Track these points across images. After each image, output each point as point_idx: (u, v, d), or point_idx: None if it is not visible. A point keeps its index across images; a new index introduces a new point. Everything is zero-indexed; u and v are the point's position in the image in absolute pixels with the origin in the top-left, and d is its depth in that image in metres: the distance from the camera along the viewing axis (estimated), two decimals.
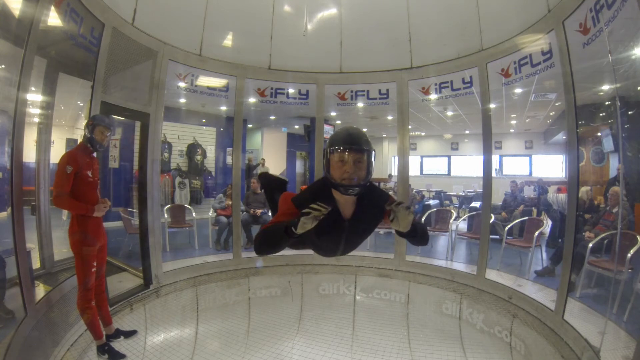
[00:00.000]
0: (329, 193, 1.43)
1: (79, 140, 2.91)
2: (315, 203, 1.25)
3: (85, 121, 2.81)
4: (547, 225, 5.37)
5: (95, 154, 2.81)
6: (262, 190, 3.00)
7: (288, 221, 1.31)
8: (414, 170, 11.88)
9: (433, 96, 4.73)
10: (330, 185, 1.41)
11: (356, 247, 1.69)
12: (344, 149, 1.35)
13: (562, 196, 5.13)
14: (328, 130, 8.77)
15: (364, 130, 1.45)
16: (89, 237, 2.64)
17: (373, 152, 1.40)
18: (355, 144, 1.36)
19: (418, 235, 1.46)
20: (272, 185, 2.35)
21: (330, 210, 1.34)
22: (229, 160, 8.51)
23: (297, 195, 1.53)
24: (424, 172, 12.42)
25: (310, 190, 1.51)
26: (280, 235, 1.33)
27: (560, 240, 4.81)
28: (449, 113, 8.35)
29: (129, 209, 5.47)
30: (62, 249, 3.78)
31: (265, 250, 1.43)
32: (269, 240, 1.40)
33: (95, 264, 2.69)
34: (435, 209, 6.35)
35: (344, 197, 1.42)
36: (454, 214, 5.86)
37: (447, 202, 9.43)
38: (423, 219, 5.68)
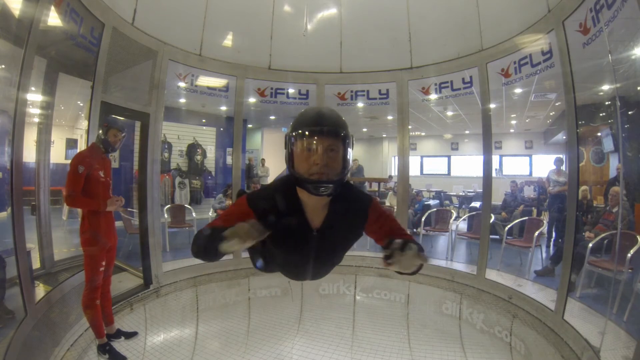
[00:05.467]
0: (293, 192, 1.11)
1: (79, 140, 2.93)
2: (270, 207, 0.96)
3: (87, 121, 2.83)
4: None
5: (108, 155, 2.86)
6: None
7: (219, 231, 0.91)
8: (414, 170, 11.88)
9: (433, 96, 4.72)
10: (295, 184, 1.08)
11: (330, 269, 1.34)
12: (311, 133, 1.02)
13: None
14: None
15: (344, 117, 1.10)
16: (99, 237, 2.66)
17: (351, 138, 1.07)
18: (327, 125, 1.03)
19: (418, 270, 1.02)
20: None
21: (295, 217, 1.08)
22: (229, 160, 8.50)
23: (253, 192, 1.19)
24: (424, 172, 12.41)
25: (269, 188, 1.18)
26: (205, 247, 1.00)
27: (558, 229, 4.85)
28: (449, 113, 8.35)
29: (129, 209, 5.47)
30: (62, 249, 3.78)
31: (196, 256, 1.08)
32: (198, 250, 1.05)
33: (103, 263, 2.71)
34: (435, 209, 6.35)
35: (312, 199, 1.09)
36: (454, 214, 5.87)
37: (447, 202, 9.42)
38: (423, 219, 5.67)
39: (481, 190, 4.28)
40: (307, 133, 1.02)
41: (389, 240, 0.94)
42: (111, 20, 3.23)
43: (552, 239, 5.28)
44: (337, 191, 1.06)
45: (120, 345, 2.98)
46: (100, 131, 2.76)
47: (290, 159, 1.06)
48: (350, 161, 1.09)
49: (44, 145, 3.46)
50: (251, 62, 4.50)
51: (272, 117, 9.39)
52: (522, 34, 3.44)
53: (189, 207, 6.01)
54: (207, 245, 0.97)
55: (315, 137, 1.02)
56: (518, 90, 5.88)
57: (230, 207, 1.20)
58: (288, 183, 1.10)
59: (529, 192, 7.33)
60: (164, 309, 3.79)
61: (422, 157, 12.46)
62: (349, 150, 1.06)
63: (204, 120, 8.57)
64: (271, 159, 10.02)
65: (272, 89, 4.89)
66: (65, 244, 4.00)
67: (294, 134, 1.04)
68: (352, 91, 4.93)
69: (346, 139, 1.05)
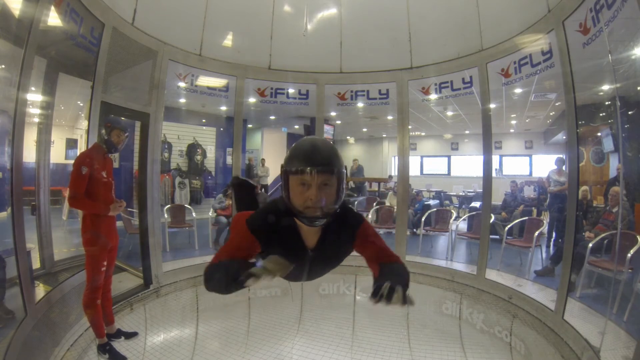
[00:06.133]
0: (290, 217, 1.15)
1: (79, 140, 2.93)
2: (272, 231, 0.99)
3: (87, 121, 2.83)
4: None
5: (110, 155, 2.86)
6: (234, 197, 2.65)
7: (237, 266, 0.97)
8: (414, 170, 11.88)
9: (433, 96, 4.73)
10: (291, 214, 1.12)
11: (323, 275, 1.43)
12: (305, 170, 1.04)
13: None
14: (328, 130, 8.79)
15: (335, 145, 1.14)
16: (101, 237, 2.66)
17: (344, 172, 1.10)
18: (321, 163, 1.05)
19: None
20: (242, 190, 2.13)
21: (292, 239, 1.13)
22: (229, 160, 8.51)
23: (252, 216, 1.22)
24: (424, 172, 12.41)
25: (267, 212, 1.20)
26: (226, 283, 0.99)
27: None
28: (449, 113, 8.35)
29: (129, 209, 5.47)
30: (62, 249, 3.78)
31: (214, 292, 1.08)
32: (216, 286, 1.06)
33: (105, 263, 2.71)
34: (435, 209, 6.35)
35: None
36: (454, 214, 5.86)
37: (447, 202, 9.42)
38: (423, 219, 5.67)
39: (481, 190, 4.28)
40: (301, 170, 1.05)
41: (375, 284, 0.97)
42: (111, 20, 3.23)
43: (552, 239, 5.28)
44: (330, 221, 1.12)
45: (120, 345, 2.98)
46: (103, 131, 2.75)
47: (285, 190, 1.10)
48: (344, 193, 1.12)
49: (44, 145, 3.46)
50: (251, 62, 4.50)
51: (272, 117, 9.41)
52: (522, 34, 3.44)
53: (189, 207, 6.01)
54: (229, 282, 0.97)
55: (310, 174, 1.04)
56: (518, 90, 5.88)
57: (233, 236, 1.24)
58: (285, 209, 1.13)
59: (529, 192, 7.32)
60: (164, 309, 3.79)
61: (422, 157, 12.47)
62: (343, 181, 1.10)
63: (204, 120, 8.58)
64: (271, 159, 10.03)
65: (272, 89, 4.89)
66: (65, 244, 4.00)
67: (288, 169, 1.08)
68: (352, 91, 4.94)
69: (340, 173, 1.08)
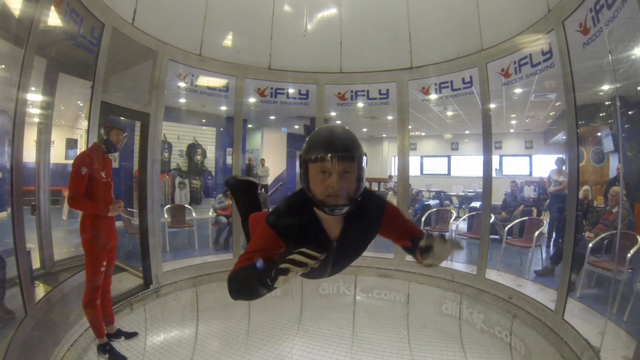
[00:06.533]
0: (310, 209, 1.12)
1: (79, 140, 2.93)
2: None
3: (87, 121, 2.83)
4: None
5: (109, 155, 2.85)
6: (232, 198, 2.54)
7: (263, 266, 0.93)
8: (414, 170, 11.88)
9: (433, 96, 4.72)
10: (311, 204, 1.09)
11: (346, 267, 1.41)
12: (326, 158, 1.01)
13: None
14: None
15: (358, 130, 1.11)
16: (101, 237, 2.66)
17: (365, 158, 1.08)
18: (342, 150, 1.03)
19: None
20: (240, 189, 2.03)
21: (314, 230, 1.07)
22: (229, 160, 8.51)
23: (271, 213, 1.17)
24: (424, 172, 12.42)
25: (286, 206, 1.16)
26: (254, 287, 0.94)
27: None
28: (449, 113, 8.35)
29: (129, 209, 5.47)
30: (62, 249, 3.78)
31: (239, 299, 1.08)
32: (243, 291, 1.05)
33: (104, 263, 2.71)
34: (435, 209, 6.35)
35: (329, 216, 1.11)
36: (454, 214, 5.87)
37: (447, 202, 9.43)
38: (423, 219, 5.67)
39: (481, 190, 4.28)
40: (321, 157, 1.02)
41: (414, 239, 1.08)
42: (111, 20, 3.23)
43: (552, 239, 5.28)
44: (352, 209, 1.07)
45: (120, 345, 2.98)
46: (102, 131, 2.75)
47: (305, 179, 1.07)
48: (364, 179, 1.09)
49: (44, 145, 3.46)
50: (251, 62, 4.50)
51: (272, 117, 9.40)
52: (522, 34, 3.44)
53: (189, 207, 6.01)
54: (256, 286, 0.92)
55: (330, 162, 1.01)
56: (518, 90, 5.88)
57: (253, 238, 1.19)
58: (304, 201, 1.10)
59: (529, 192, 7.32)
60: (164, 309, 3.79)
61: (422, 157, 12.47)
62: (364, 168, 1.08)
63: (204, 120, 8.57)
64: (271, 159, 10.03)
65: (272, 89, 4.89)
66: (65, 244, 4.00)
67: (308, 157, 1.04)
68: (352, 91, 4.93)
69: (360, 160, 1.06)
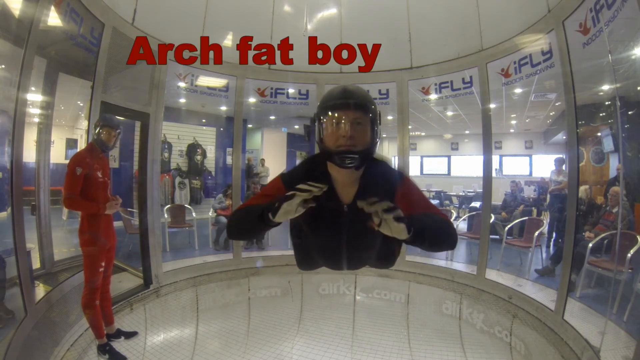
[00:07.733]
0: (323, 168, 1.14)
1: (79, 140, 2.93)
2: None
3: (87, 121, 2.82)
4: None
5: (108, 154, 2.84)
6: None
7: (267, 203, 0.98)
8: (414, 170, 11.88)
9: (433, 96, 4.73)
10: (324, 158, 1.11)
11: (367, 256, 1.32)
12: (338, 107, 1.05)
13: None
14: None
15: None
16: (99, 237, 2.66)
17: (378, 113, 1.09)
18: (353, 99, 1.05)
19: (426, 242, 0.98)
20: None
21: (325, 192, 1.00)
22: (229, 160, 8.50)
23: (286, 171, 1.22)
24: (424, 172, 12.41)
25: (302, 165, 1.21)
26: (252, 221, 1.01)
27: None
28: (449, 113, 8.35)
29: (129, 209, 5.47)
30: (62, 249, 3.78)
31: (235, 235, 1.20)
32: (240, 224, 1.12)
33: (103, 264, 2.70)
34: None
35: (342, 174, 1.11)
36: (454, 214, 5.87)
37: (447, 202, 9.43)
38: None
39: (481, 190, 4.28)
40: (333, 106, 1.05)
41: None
42: (111, 20, 3.23)
43: (552, 239, 5.28)
44: (363, 163, 1.08)
45: (120, 345, 2.98)
46: (95, 130, 2.71)
47: (318, 133, 1.09)
48: (378, 135, 1.09)
49: (44, 145, 3.46)
50: (251, 62, 4.49)
51: (272, 117, 9.39)
52: (522, 34, 3.44)
53: (189, 207, 6.01)
54: (255, 221, 0.99)
55: (342, 110, 1.04)
56: (518, 90, 5.88)
57: (266, 187, 1.24)
58: (318, 160, 1.14)
59: (529, 192, 7.32)
60: (164, 309, 3.79)
61: (422, 157, 12.47)
62: (376, 123, 1.08)
63: (204, 120, 8.57)
64: (271, 159, 10.02)
65: (272, 89, 4.89)
66: (65, 244, 4.00)
67: (321, 109, 1.07)
68: None
69: (372, 112, 1.07)
